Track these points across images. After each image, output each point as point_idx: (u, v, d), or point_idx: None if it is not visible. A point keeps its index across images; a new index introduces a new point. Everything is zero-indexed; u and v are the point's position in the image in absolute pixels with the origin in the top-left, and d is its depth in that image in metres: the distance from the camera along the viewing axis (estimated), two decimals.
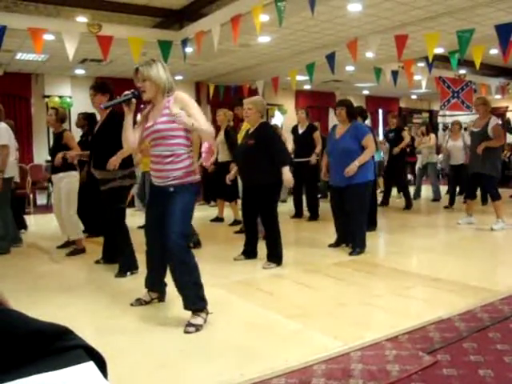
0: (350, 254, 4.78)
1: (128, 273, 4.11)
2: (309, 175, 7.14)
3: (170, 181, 2.92)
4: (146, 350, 2.55)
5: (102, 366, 0.80)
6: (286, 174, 4.27)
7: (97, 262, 4.62)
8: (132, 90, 2.99)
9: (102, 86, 4.39)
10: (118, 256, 4.23)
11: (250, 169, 4.41)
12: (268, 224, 4.42)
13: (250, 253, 4.65)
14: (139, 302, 3.33)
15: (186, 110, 2.91)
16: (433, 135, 9.23)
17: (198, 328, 2.82)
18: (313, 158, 7.12)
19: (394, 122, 8.65)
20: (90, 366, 0.77)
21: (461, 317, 2.97)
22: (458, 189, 8.54)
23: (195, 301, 2.91)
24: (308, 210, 7.25)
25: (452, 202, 8.23)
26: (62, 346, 0.78)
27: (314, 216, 7.16)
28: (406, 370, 2.25)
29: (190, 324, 2.83)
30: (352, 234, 4.90)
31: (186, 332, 2.78)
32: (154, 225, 3.09)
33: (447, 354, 2.43)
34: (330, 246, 5.09)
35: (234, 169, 5.12)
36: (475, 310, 3.10)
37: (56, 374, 0.73)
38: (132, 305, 3.31)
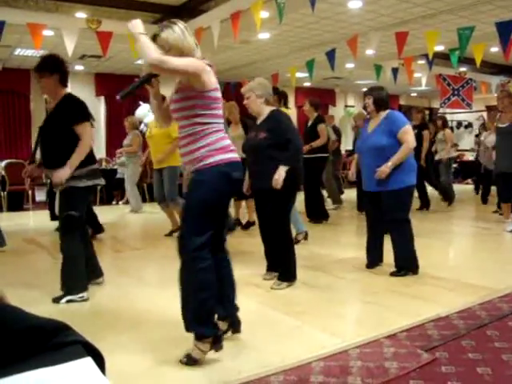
0: (397, 274, 3.92)
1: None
2: (312, 173, 6.08)
3: None
4: (144, 347, 2.54)
5: (99, 361, 0.80)
6: None
7: None
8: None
9: (48, 65, 3.29)
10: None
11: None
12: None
13: (273, 266, 3.87)
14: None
15: None
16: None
17: None
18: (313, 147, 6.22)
19: (419, 118, 7.87)
20: (88, 362, 0.77)
21: (459, 314, 2.97)
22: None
23: None
24: (306, 210, 6.55)
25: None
26: (61, 342, 0.78)
27: (320, 218, 6.52)
28: (404, 367, 2.26)
29: None
30: (397, 248, 3.99)
31: None
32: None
33: (445, 351, 2.43)
34: (367, 267, 4.17)
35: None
36: (474, 307, 3.10)
37: (54, 370, 0.73)
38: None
